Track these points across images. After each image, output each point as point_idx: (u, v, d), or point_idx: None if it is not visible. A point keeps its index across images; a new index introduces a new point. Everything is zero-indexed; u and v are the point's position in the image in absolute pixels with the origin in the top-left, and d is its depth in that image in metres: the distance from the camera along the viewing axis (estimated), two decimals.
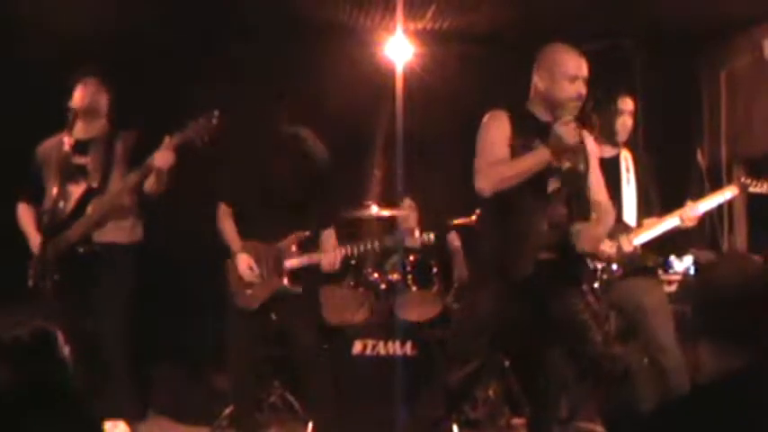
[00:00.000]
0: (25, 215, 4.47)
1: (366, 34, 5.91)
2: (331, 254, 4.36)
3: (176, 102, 5.31)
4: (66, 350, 2.08)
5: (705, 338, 1.89)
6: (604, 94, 4.30)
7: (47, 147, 4.47)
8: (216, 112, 4.20)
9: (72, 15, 4.91)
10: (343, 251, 4.38)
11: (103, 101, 4.41)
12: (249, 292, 4.38)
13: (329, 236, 4.45)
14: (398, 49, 5.75)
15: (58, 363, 2.04)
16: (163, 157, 4.19)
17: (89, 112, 4.38)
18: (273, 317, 4.48)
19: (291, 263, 4.34)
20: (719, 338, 1.86)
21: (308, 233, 4.39)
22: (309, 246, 4.41)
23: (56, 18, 4.90)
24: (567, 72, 3.63)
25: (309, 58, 5.72)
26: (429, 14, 5.71)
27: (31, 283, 4.20)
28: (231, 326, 4.43)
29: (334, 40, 5.83)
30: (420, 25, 5.90)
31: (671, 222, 4.29)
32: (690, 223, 4.30)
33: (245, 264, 4.36)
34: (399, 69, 5.64)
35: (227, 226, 4.45)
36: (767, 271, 1.95)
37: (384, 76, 5.72)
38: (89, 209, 4.32)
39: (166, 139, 4.22)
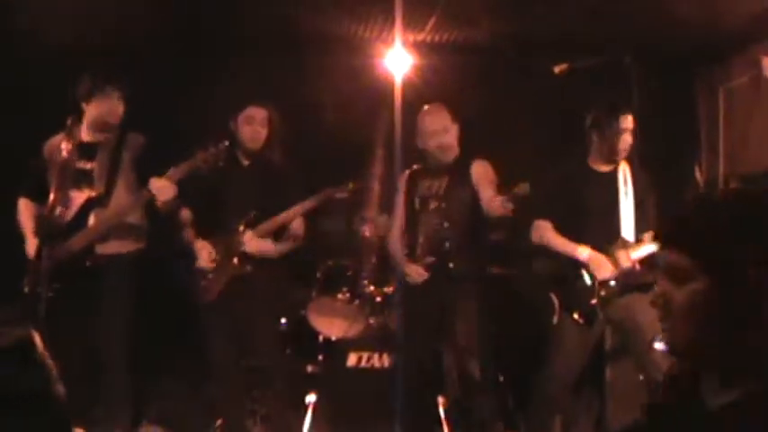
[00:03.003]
0: (25, 211, 4.39)
1: (365, 46, 5.91)
2: (293, 209, 4.38)
3: (175, 113, 5.32)
4: (45, 354, 2.06)
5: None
6: (605, 113, 4.29)
7: (53, 145, 4.36)
8: (226, 143, 4.24)
9: (72, 24, 4.92)
10: (307, 204, 4.38)
11: (120, 112, 4.36)
12: (204, 283, 4.41)
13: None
14: (397, 61, 5.75)
15: (37, 367, 2.02)
16: (163, 191, 4.16)
17: (105, 123, 4.34)
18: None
19: (243, 244, 4.37)
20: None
21: (254, 213, 4.39)
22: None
23: (56, 23, 4.90)
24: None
25: (308, 70, 5.73)
26: (428, 27, 5.71)
27: (27, 289, 4.07)
28: (204, 325, 4.44)
29: (334, 52, 5.83)
30: (419, 37, 5.90)
31: None
32: None
33: (205, 250, 4.41)
34: (398, 81, 5.63)
35: (189, 230, 4.54)
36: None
37: (383, 88, 5.72)
38: (92, 220, 4.24)
39: (171, 171, 4.18)
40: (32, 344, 2.02)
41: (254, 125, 4.48)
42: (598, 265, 4.16)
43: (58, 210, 4.18)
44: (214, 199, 4.48)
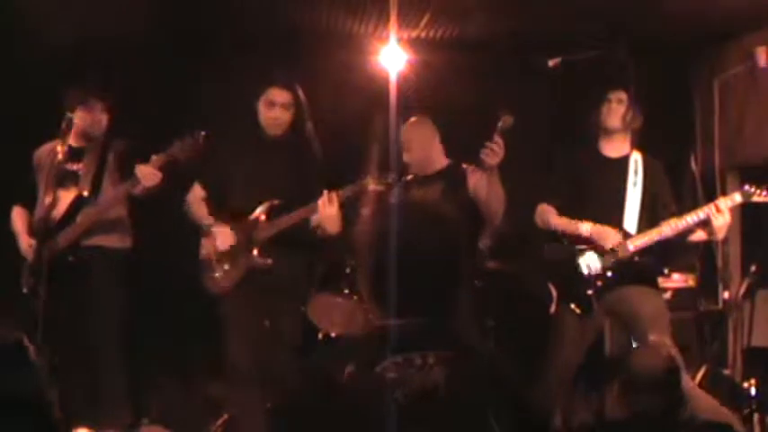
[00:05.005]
0: (18, 218, 4.48)
1: (360, 42, 5.91)
2: (324, 198, 4.12)
3: (171, 108, 5.31)
4: (37, 360, 2.07)
5: None
6: (598, 91, 4.30)
7: (42, 152, 4.50)
8: (202, 133, 4.17)
9: (69, 21, 4.91)
10: (337, 194, 4.13)
11: (104, 122, 4.45)
12: (218, 274, 4.28)
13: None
14: (392, 58, 5.75)
15: (29, 372, 2.02)
16: (149, 176, 4.17)
17: (89, 133, 4.44)
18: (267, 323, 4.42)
19: (263, 233, 4.23)
20: None
21: (277, 201, 4.25)
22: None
23: (53, 23, 4.90)
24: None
25: (303, 66, 5.72)
26: (423, 23, 5.72)
27: (25, 289, 4.24)
28: (218, 319, 4.36)
29: (328, 49, 5.83)
30: (414, 33, 5.90)
31: (695, 218, 4.12)
32: (722, 217, 4.05)
33: (222, 234, 4.24)
34: (393, 77, 5.63)
35: (200, 206, 4.40)
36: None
37: (378, 85, 5.72)
38: (79, 217, 4.32)
39: (153, 158, 4.20)
40: (25, 346, 2.03)
41: (274, 109, 4.31)
42: (603, 238, 4.14)
43: (53, 211, 4.29)
44: (231, 184, 4.36)
